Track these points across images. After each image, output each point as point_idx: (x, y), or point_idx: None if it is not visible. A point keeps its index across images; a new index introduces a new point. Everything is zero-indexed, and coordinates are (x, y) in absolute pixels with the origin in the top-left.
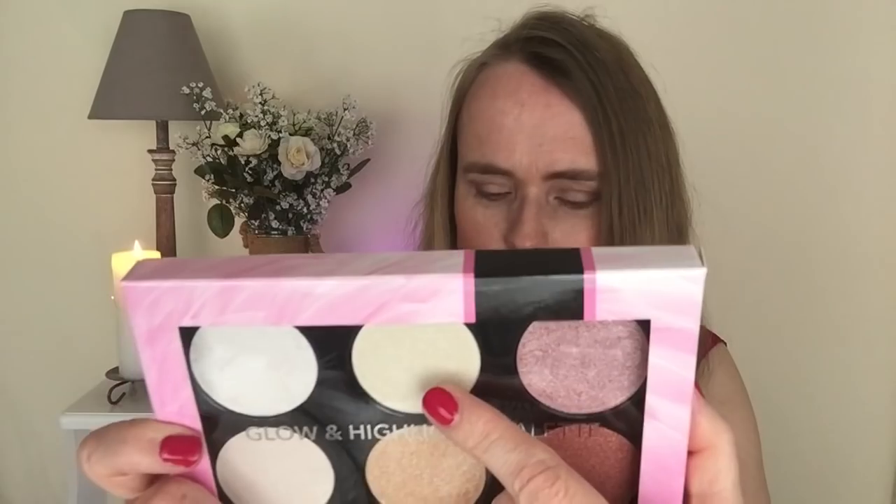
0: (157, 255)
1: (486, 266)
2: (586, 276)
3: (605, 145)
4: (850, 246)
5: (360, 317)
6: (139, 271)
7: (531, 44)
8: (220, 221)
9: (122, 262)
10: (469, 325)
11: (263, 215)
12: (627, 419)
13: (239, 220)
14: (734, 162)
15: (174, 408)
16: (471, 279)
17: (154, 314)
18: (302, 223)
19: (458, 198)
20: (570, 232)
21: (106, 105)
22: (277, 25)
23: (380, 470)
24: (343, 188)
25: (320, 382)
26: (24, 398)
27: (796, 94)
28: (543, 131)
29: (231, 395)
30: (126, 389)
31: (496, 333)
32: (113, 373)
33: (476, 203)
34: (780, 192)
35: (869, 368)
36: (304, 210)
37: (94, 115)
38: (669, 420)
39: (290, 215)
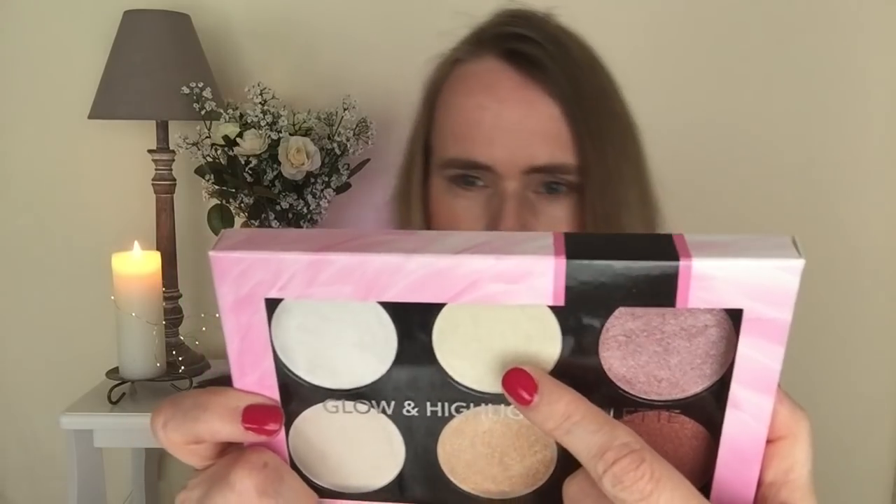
0: (157, 255)
1: (579, 249)
2: (682, 262)
3: (584, 140)
4: (849, 245)
5: (449, 295)
6: (228, 241)
7: (506, 40)
8: (220, 221)
9: (122, 262)
10: (553, 308)
11: (263, 215)
12: (705, 407)
13: (239, 220)
14: (734, 161)
15: (254, 378)
16: (562, 261)
17: (241, 284)
18: (302, 223)
19: (434, 195)
20: (550, 224)
21: (106, 105)
22: (277, 25)
23: (451, 447)
24: (343, 188)
25: (400, 358)
26: (24, 398)
27: (796, 93)
28: (522, 126)
29: (310, 367)
30: (126, 389)
31: (581, 316)
32: (113, 373)
33: (454, 198)
34: (780, 192)
35: (869, 368)
36: (304, 210)
37: (94, 115)
38: (752, 410)
39: (290, 215)
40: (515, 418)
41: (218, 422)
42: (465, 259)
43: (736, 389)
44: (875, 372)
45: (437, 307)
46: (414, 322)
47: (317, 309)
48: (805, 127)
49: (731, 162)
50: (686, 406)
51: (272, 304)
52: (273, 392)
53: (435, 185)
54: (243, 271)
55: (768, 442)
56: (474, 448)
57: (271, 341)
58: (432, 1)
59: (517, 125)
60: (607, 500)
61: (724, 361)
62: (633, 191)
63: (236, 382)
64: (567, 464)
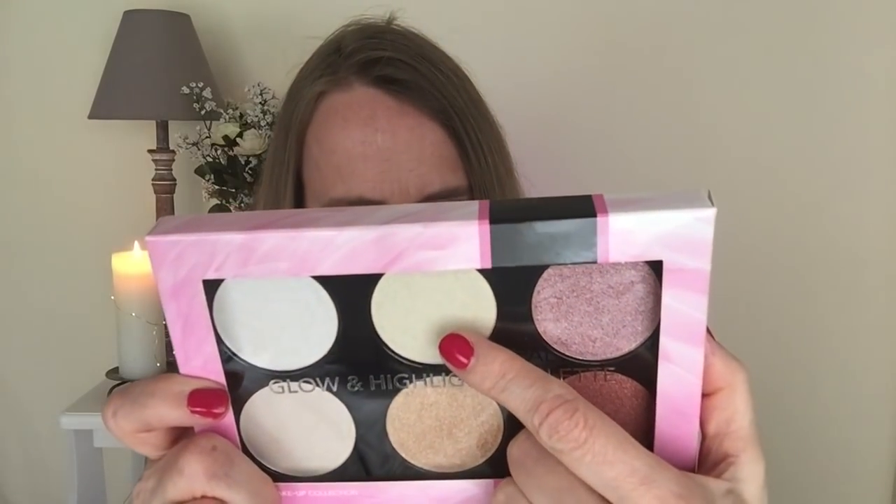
0: None
1: (501, 212)
2: (599, 218)
3: (471, 158)
4: (850, 244)
5: (379, 265)
6: (163, 226)
7: (374, 66)
8: None
9: (122, 262)
10: (485, 275)
11: None
12: (641, 365)
13: None
14: (735, 161)
15: (198, 362)
16: (486, 225)
17: (179, 268)
18: None
19: None
20: None
21: (106, 105)
22: (277, 25)
23: (400, 422)
24: None
25: (341, 334)
26: (24, 398)
27: (795, 93)
28: (410, 155)
29: (253, 349)
30: None
31: (512, 282)
32: (113, 373)
33: None
34: (780, 191)
35: (869, 367)
36: None
37: (94, 115)
38: (683, 362)
39: None
40: (459, 388)
41: (164, 407)
42: (393, 229)
43: (665, 342)
44: (875, 371)
45: (374, 281)
46: (352, 297)
47: (256, 290)
48: (805, 127)
49: (732, 161)
50: (621, 364)
51: (212, 287)
52: (219, 376)
53: None
54: (179, 254)
55: (707, 395)
56: (422, 422)
57: (213, 324)
58: (431, 1)
59: (405, 155)
60: (548, 459)
61: (654, 317)
62: (511, 196)
63: (182, 368)
64: (514, 430)
